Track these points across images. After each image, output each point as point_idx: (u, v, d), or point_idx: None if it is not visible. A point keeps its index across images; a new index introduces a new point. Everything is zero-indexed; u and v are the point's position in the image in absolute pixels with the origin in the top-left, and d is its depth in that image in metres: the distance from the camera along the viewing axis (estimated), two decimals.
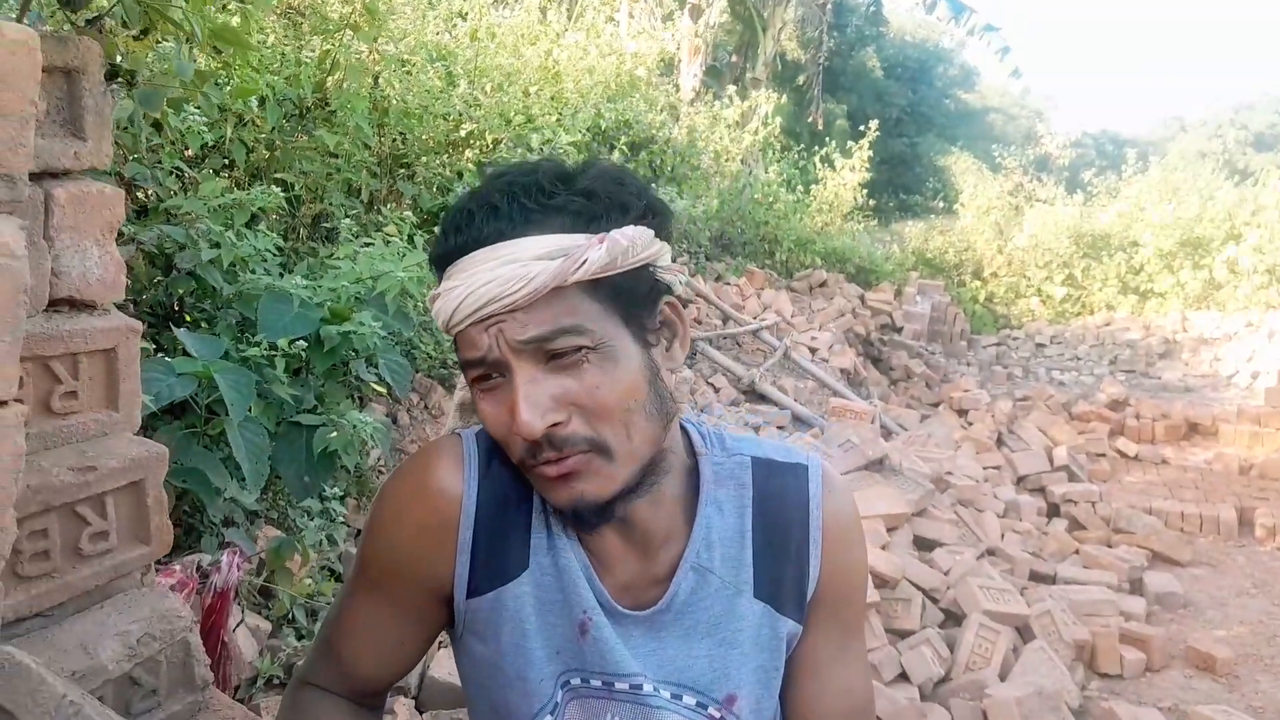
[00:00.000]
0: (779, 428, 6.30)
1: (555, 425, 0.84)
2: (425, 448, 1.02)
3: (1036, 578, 4.89)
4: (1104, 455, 7.72)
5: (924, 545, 4.71)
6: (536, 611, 0.96)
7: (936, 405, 8.88)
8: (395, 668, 1.04)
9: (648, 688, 0.95)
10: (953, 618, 4.08)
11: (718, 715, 0.96)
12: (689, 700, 0.96)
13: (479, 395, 0.88)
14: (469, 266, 0.84)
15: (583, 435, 0.85)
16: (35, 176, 1.18)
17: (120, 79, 1.63)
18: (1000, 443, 7.32)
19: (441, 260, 0.88)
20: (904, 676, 3.64)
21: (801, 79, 18.79)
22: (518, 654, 0.96)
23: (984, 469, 6.45)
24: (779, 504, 1.00)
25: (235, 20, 3.34)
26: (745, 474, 1.01)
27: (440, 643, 2.62)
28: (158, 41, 1.75)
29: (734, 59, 16.21)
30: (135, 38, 1.54)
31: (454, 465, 0.97)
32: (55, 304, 1.21)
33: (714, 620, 0.97)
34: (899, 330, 10.60)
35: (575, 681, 0.96)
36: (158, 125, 2.48)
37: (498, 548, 0.96)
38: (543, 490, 0.91)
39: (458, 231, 0.86)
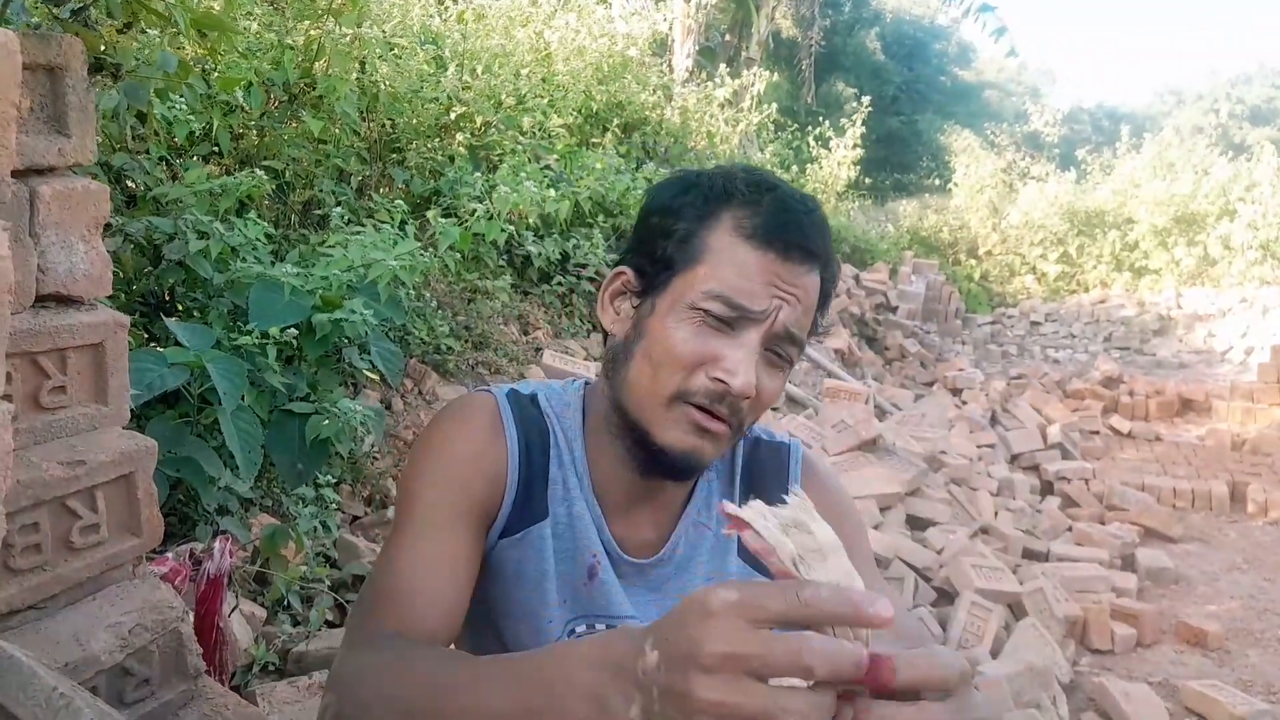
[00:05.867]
0: (772, 410, 6.32)
1: (748, 398, 0.94)
2: (463, 398, 1.09)
3: (1029, 555, 4.92)
4: (1098, 433, 7.76)
5: (917, 524, 4.74)
6: (553, 556, 1.04)
7: (931, 385, 8.90)
8: (460, 609, 0.99)
9: None
10: (945, 596, 4.11)
11: None
12: None
13: (694, 322, 0.94)
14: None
15: (744, 414, 0.96)
16: (20, 174, 1.19)
17: (105, 71, 1.63)
18: (994, 421, 7.35)
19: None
20: None
21: (800, 58, 18.70)
22: (536, 591, 1.03)
23: (978, 448, 6.48)
24: (762, 477, 1.13)
25: (218, 5, 3.34)
26: (737, 446, 1.14)
27: None
28: (142, 32, 1.75)
29: (727, 38, 16.12)
30: (120, 30, 1.55)
31: (499, 413, 1.06)
32: (42, 300, 1.22)
33: (708, 575, 1.08)
34: (894, 310, 10.62)
35: (581, 629, 1.04)
36: (142, 116, 2.48)
37: (530, 492, 1.04)
38: (670, 428, 0.96)
39: (802, 233, 0.96)
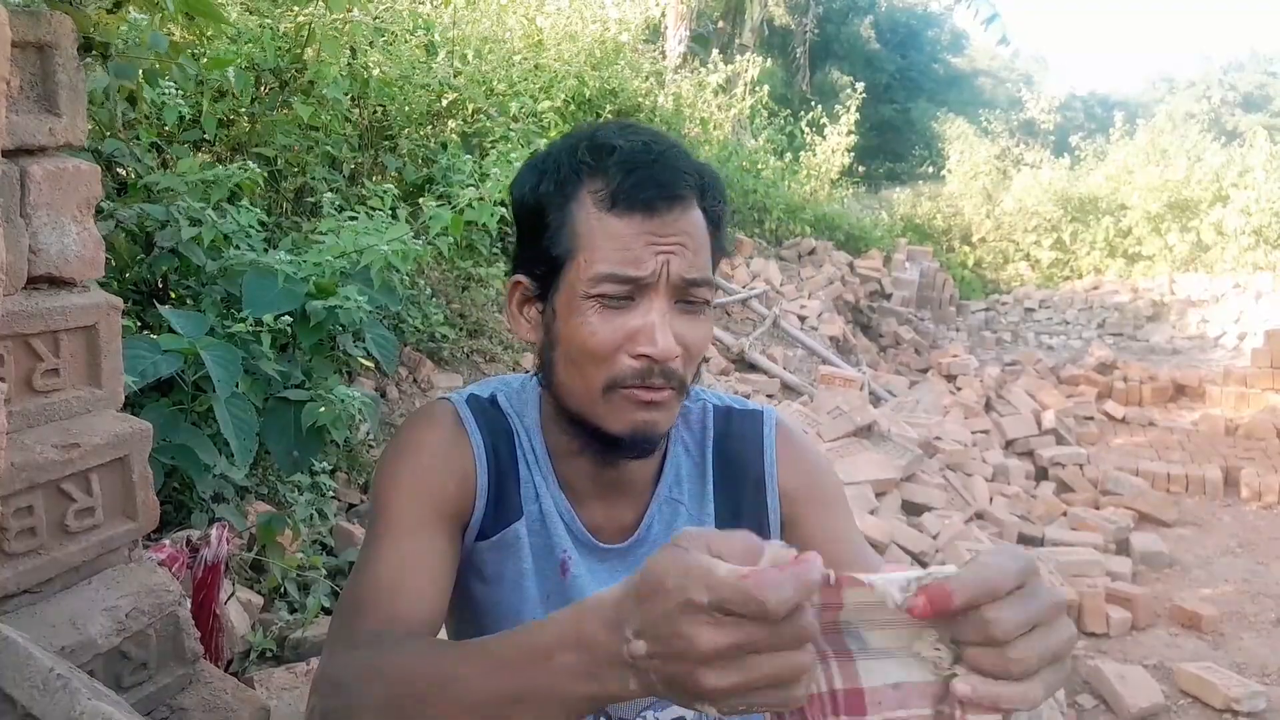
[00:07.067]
0: (769, 396, 6.32)
1: (675, 358, 0.92)
2: (424, 407, 1.08)
3: (1025, 540, 4.93)
4: (1092, 418, 7.77)
5: (913, 510, 4.75)
6: (530, 554, 1.04)
7: (925, 371, 8.91)
8: (441, 609, 0.98)
9: None
10: None
11: None
12: None
13: (594, 311, 0.92)
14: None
15: (680, 374, 0.94)
16: (10, 153, 1.17)
17: (94, 52, 1.61)
18: (989, 407, 7.36)
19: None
20: None
21: (794, 45, 18.66)
22: (515, 591, 1.03)
23: (972, 434, 6.49)
24: (737, 445, 1.11)
25: None
26: (707, 418, 1.13)
27: None
28: (128, 13, 1.73)
29: (720, 25, 16.07)
30: (108, 11, 1.53)
31: (460, 419, 1.05)
32: (34, 281, 1.21)
33: None
34: (888, 297, 10.61)
35: None
36: (132, 100, 2.46)
37: (502, 493, 1.04)
38: (615, 416, 0.94)
39: (657, 183, 0.92)
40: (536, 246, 0.96)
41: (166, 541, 1.88)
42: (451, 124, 5.44)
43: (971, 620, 0.59)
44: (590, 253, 0.91)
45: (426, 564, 0.96)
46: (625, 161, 0.92)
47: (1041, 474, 6.41)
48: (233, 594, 2.22)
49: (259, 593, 2.49)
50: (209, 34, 3.35)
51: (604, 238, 0.91)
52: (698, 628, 0.56)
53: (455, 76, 5.45)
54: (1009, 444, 6.72)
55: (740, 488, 1.10)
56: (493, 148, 5.24)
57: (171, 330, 2.30)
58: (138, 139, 2.96)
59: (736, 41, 15.23)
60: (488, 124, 5.50)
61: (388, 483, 1.02)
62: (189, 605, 1.74)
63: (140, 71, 1.86)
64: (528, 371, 1.14)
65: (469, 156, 4.77)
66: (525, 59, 6.56)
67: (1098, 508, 5.66)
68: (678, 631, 0.57)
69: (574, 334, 0.93)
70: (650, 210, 0.91)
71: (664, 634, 0.58)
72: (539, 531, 1.04)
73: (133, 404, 2.23)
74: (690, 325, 0.94)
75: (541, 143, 5.49)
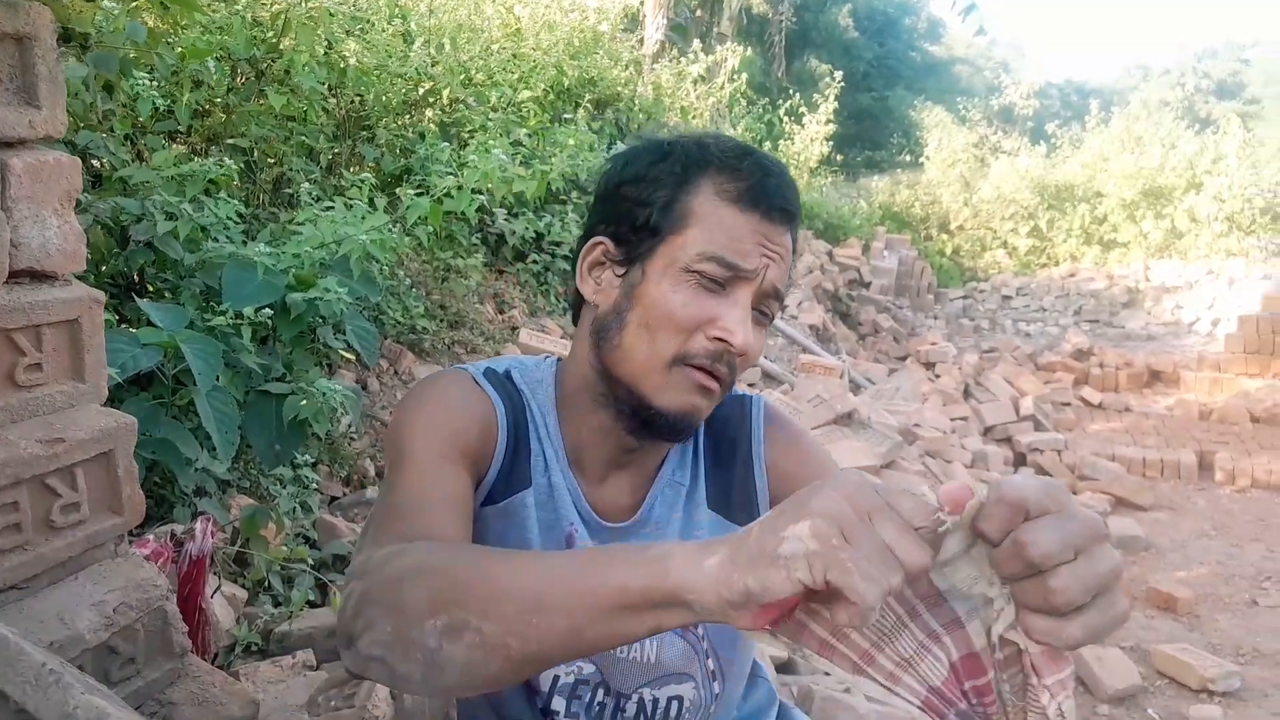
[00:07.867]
0: (750, 385, 6.34)
1: (744, 354, 0.98)
2: (439, 372, 1.10)
3: None
4: (1069, 404, 7.86)
5: None
6: (537, 525, 1.06)
7: (904, 359, 8.97)
8: (469, 532, 0.95)
9: None
10: None
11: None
12: None
13: (689, 285, 0.97)
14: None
15: (736, 370, 1.00)
16: None
17: (73, 42, 1.59)
18: (967, 394, 7.42)
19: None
20: None
21: (771, 34, 18.66)
22: None
23: (951, 420, 6.54)
24: (725, 427, 1.16)
25: None
26: None
27: None
28: (103, 2, 1.71)
29: (698, 14, 16.04)
30: (86, 0, 1.51)
31: (479, 383, 1.07)
32: (15, 276, 1.19)
33: (681, 532, 1.10)
34: (867, 285, 10.67)
35: None
36: (109, 90, 2.43)
37: (514, 461, 1.06)
38: (669, 390, 0.98)
39: (782, 195, 1.01)
40: (636, 215, 1.01)
41: (150, 536, 1.87)
42: (429, 114, 5.41)
43: (1008, 547, 0.56)
44: (702, 232, 0.97)
45: (453, 493, 0.95)
46: (761, 167, 1.00)
47: (1020, 460, 6.47)
48: (218, 587, 2.21)
49: (243, 586, 2.47)
50: (183, 23, 3.31)
51: (719, 224, 0.97)
52: (860, 483, 0.60)
53: (433, 66, 5.41)
54: (987, 430, 6.78)
55: (730, 468, 1.14)
56: (471, 137, 5.21)
57: (150, 324, 2.28)
58: (112, 131, 2.92)
59: (715, 30, 15.22)
60: (466, 113, 5.47)
61: (410, 423, 1.00)
62: (175, 599, 1.74)
63: (117, 61, 1.84)
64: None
65: (447, 144, 4.74)
66: (503, 48, 6.52)
67: (1075, 492, 5.72)
68: (838, 483, 0.60)
69: (662, 300, 0.97)
70: (768, 216, 0.98)
71: (814, 491, 0.61)
72: (546, 504, 1.06)
73: (113, 398, 2.20)
74: (756, 333, 1.00)
75: (521, 132, 5.47)
